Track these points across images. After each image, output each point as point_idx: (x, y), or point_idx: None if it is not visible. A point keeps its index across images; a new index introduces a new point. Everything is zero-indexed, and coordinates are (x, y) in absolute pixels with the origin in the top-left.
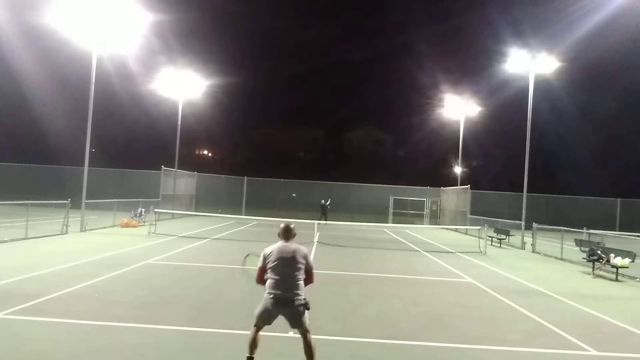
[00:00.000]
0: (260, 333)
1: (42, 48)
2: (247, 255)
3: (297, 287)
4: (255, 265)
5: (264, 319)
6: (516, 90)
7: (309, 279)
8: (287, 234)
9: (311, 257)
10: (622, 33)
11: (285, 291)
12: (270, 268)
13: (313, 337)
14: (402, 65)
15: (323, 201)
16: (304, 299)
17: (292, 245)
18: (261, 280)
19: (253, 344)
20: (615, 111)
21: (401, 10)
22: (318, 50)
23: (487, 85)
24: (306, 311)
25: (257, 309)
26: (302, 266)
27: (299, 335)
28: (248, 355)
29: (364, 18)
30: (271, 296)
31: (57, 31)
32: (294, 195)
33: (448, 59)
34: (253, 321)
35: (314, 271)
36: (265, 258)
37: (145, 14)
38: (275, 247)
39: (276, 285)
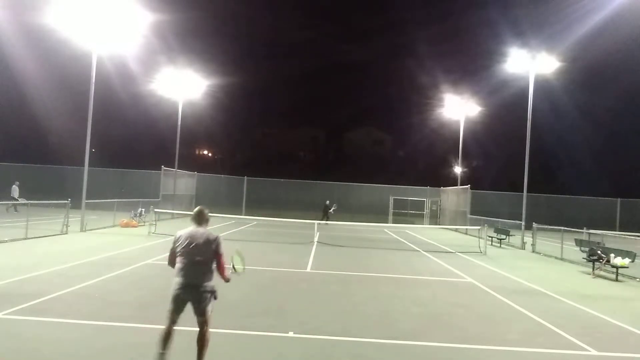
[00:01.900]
0: (258, 333)
1: (42, 48)
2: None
3: (204, 273)
4: (239, 263)
5: (175, 307)
6: (516, 90)
7: (219, 266)
8: (199, 218)
9: (222, 243)
10: (622, 33)
11: (192, 277)
12: (179, 252)
13: (313, 337)
14: (402, 66)
15: (328, 202)
16: (212, 287)
17: (202, 230)
18: (171, 263)
19: (166, 337)
20: (615, 111)
21: (401, 10)
22: (318, 50)
23: (487, 85)
24: (212, 300)
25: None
26: (211, 252)
27: (300, 335)
28: (160, 350)
29: (364, 18)
30: (178, 281)
31: (57, 31)
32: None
33: (448, 59)
34: (167, 314)
35: (224, 258)
36: (175, 242)
37: (145, 14)
38: (186, 231)
39: (183, 270)
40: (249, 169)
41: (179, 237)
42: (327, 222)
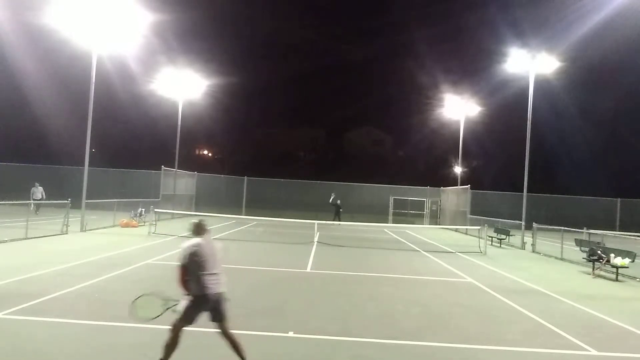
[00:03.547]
0: (258, 333)
1: (42, 48)
2: (141, 296)
3: (222, 280)
4: (149, 307)
5: (194, 317)
6: (516, 90)
7: None
8: (202, 229)
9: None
10: (622, 33)
11: (221, 286)
12: (201, 264)
13: (313, 337)
14: (402, 65)
15: (339, 202)
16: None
17: (209, 239)
18: (193, 277)
19: (174, 346)
20: (615, 111)
21: (401, 10)
22: (318, 50)
23: (487, 85)
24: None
25: (184, 307)
26: (220, 260)
27: (300, 335)
28: (162, 357)
29: (364, 18)
30: (210, 292)
31: (57, 31)
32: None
33: (448, 58)
34: (176, 321)
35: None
36: (190, 256)
37: (145, 14)
38: (196, 243)
39: (214, 280)
40: (249, 169)
41: (196, 251)
42: (340, 222)
